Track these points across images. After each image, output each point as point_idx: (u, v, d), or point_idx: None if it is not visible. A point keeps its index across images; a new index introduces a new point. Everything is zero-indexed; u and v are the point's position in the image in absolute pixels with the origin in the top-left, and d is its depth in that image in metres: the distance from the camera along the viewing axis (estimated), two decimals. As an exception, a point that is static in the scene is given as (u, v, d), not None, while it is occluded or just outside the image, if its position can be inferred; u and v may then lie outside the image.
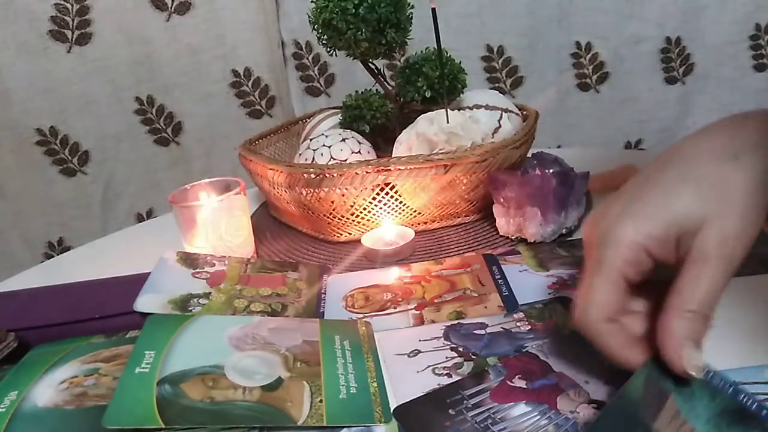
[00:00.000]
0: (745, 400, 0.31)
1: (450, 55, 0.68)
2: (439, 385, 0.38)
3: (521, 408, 0.33)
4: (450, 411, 0.34)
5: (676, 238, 0.31)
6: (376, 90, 0.72)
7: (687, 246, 0.31)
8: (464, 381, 0.37)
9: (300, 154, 0.65)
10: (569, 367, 0.36)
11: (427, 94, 0.66)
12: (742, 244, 0.30)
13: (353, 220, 0.61)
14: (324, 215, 0.60)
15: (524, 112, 0.71)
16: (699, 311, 0.30)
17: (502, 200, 0.58)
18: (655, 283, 0.34)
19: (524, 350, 0.39)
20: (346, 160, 0.62)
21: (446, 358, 0.41)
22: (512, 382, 0.35)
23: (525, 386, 0.35)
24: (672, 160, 0.33)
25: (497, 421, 0.32)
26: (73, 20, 1.05)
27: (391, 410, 0.36)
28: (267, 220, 0.72)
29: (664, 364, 0.31)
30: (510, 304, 0.46)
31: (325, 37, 0.67)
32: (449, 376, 0.39)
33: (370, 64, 0.71)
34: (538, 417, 0.33)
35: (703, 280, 0.30)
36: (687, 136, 0.35)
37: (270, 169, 0.61)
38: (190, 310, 0.46)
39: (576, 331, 0.38)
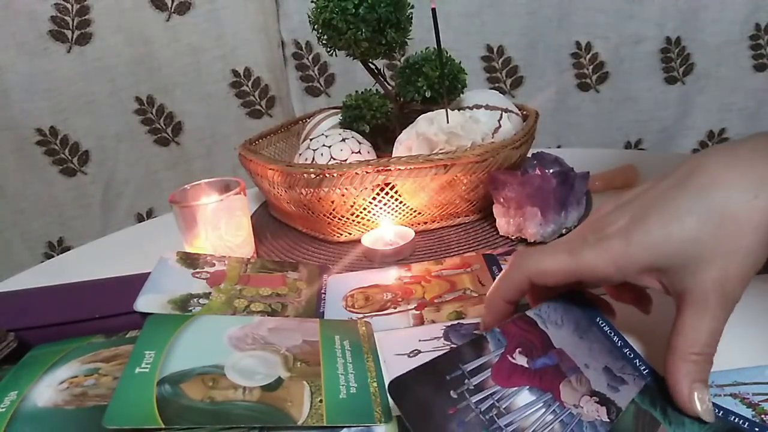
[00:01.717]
0: (737, 421, 0.31)
1: (450, 55, 0.68)
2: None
3: (525, 396, 0.32)
4: (452, 393, 0.32)
5: (664, 270, 0.31)
6: (376, 90, 0.72)
7: (680, 280, 0.31)
8: (463, 351, 0.34)
9: (300, 154, 0.65)
10: (568, 343, 0.35)
11: (427, 94, 0.66)
12: (743, 284, 0.30)
13: (353, 220, 0.61)
14: (324, 215, 0.60)
15: (524, 112, 0.71)
16: (704, 353, 0.31)
17: (502, 200, 0.58)
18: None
19: (522, 314, 0.37)
20: (346, 160, 0.62)
21: (446, 357, 0.41)
22: (513, 358, 0.34)
23: (526, 365, 0.34)
24: (687, 185, 0.31)
25: (503, 412, 0.31)
26: (73, 20, 1.05)
27: (386, 386, 0.35)
28: (267, 220, 0.72)
29: (652, 393, 0.33)
30: (510, 304, 0.46)
31: (325, 37, 0.67)
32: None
33: (370, 64, 0.71)
34: (544, 410, 0.32)
35: (704, 322, 0.31)
36: (711, 150, 0.33)
37: (270, 169, 0.61)
38: (190, 310, 0.46)
39: (573, 293, 0.38)
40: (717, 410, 0.32)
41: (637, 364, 0.35)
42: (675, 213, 0.31)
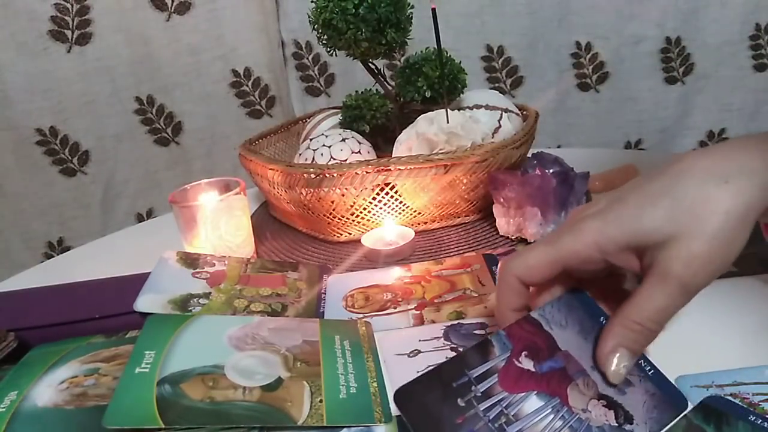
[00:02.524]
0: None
1: (450, 55, 0.68)
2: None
3: (533, 402, 0.32)
4: (459, 401, 0.32)
5: (640, 249, 0.32)
6: (376, 90, 0.72)
7: (649, 257, 0.31)
8: (468, 356, 0.34)
9: (300, 154, 0.65)
10: (573, 345, 0.35)
11: (427, 94, 0.66)
12: (706, 270, 0.30)
13: (353, 220, 0.61)
14: (324, 215, 0.60)
15: (524, 112, 0.71)
16: (645, 325, 0.31)
17: (502, 200, 0.58)
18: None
19: (526, 315, 0.37)
20: (346, 160, 0.62)
21: (446, 358, 0.40)
22: (519, 362, 0.34)
23: (533, 369, 0.34)
24: (665, 172, 0.33)
25: (511, 419, 0.31)
26: (73, 20, 1.05)
27: (390, 397, 0.35)
28: (267, 220, 0.72)
29: (707, 409, 0.32)
30: (510, 304, 0.46)
31: (325, 37, 0.67)
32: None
33: (370, 64, 0.71)
34: (552, 416, 0.32)
35: (657, 297, 0.31)
36: (693, 151, 0.34)
37: (270, 169, 0.61)
38: (190, 310, 0.46)
39: (575, 293, 0.37)
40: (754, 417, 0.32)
41: (642, 365, 0.35)
42: (650, 194, 0.32)
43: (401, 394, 0.32)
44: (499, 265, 0.37)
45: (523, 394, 0.32)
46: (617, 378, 0.32)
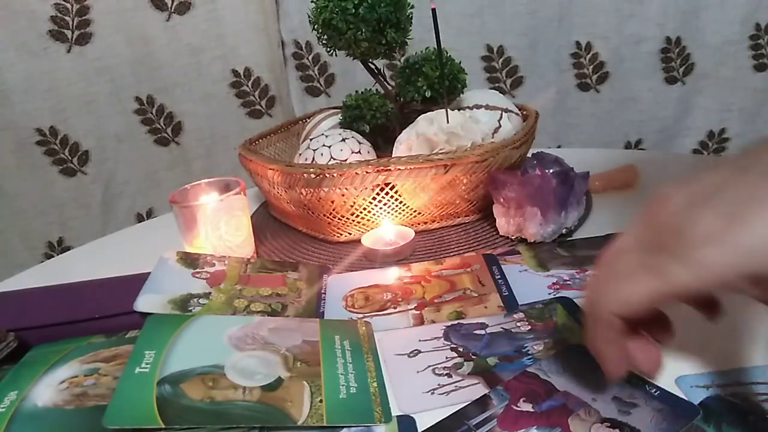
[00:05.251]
0: None
1: (450, 55, 0.68)
2: (439, 385, 0.38)
3: None
4: None
5: None
6: (376, 90, 0.72)
7: None
8: (468, 410, 0.35)
9: (300, 154, 0.65)
10: (574, 385, 0.35)
11: (427, 94, 0.66)
12: None
13: (353, 220, 0.61)
14: (324, 215, 0.60)
15: (524, 112, 0.71)
16: None
17: (502, 200, 0.58)
18: None
19: (523, 370, 0.38)
20: (346, 160, 0.62)
21: (446, 358, 0.41)
22: (518, 406, 0.34)
23: (532, 409, 0.34)
24: None
25: None
26: (73, 20, 1.05)
27: (390, 396, 0.36)
28: (267, 220, 0.72)
29: (707, 409, 0.32)
30: (510, 304, 0.46)
31: (325, 37, 0.67)
32: (449, 376, 0.39)
33: (370, 64, 0.71)
34: None
35: None
36: None
37: (270, 168, 0.61)
38: (190, 310, 0.46)
39: (572, 346, 0.38)
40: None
41: (647, 388, 0.35)
42: None
43: None
44: (585, 300, 0.32)
45: (523, 430, 0.33)
46: None
